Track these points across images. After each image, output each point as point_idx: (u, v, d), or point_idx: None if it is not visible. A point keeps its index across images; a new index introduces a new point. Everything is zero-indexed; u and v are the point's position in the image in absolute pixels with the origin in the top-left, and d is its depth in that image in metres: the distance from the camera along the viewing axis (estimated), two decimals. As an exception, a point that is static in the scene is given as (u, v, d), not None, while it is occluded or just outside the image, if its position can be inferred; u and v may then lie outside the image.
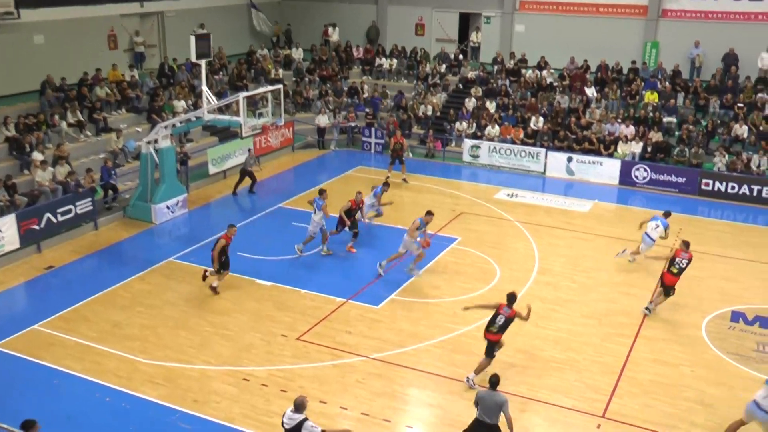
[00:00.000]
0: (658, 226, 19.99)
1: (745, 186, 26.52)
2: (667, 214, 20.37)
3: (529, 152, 29.17)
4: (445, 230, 22.21)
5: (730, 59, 31.34)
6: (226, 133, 28.77)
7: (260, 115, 22.66)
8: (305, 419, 10.53)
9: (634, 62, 32.60)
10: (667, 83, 31.38)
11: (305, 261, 19.81)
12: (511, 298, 14.46)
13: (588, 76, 32.71)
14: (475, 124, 31.11)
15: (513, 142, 29.78)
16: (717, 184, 26.84)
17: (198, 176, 26.03)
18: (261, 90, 23.46)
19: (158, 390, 13.91)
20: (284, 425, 10.64)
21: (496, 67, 34.41)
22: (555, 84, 32.57)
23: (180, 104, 28.26)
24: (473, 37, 36.26)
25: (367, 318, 16.82)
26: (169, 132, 22.99)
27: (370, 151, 31.30)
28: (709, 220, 24.59)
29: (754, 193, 26.40)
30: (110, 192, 22.91)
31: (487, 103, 32.10)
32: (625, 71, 32.72)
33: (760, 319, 17.35)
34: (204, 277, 18.00)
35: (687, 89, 31.18)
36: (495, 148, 29.72)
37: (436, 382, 14.41)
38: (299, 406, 10.62)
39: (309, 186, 26.04)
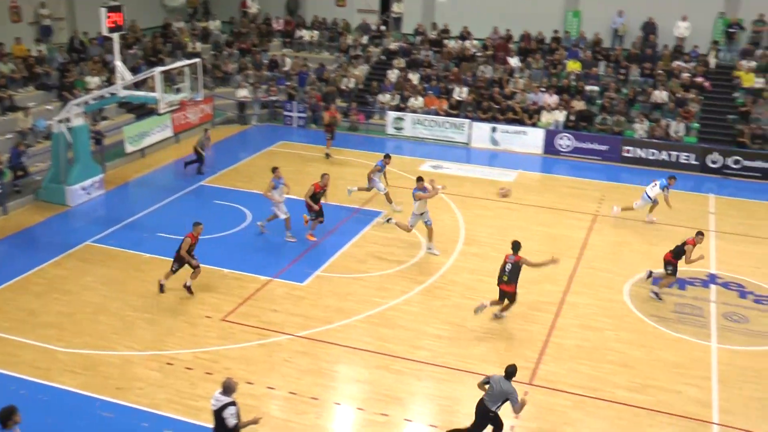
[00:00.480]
0: (656, 185, 20.84)
1: (664, 152, 27.15)
2: (671, 178, 21.14)
3: (453, 123, 29.17)
4: (369, 204, 22.05)
5: (650, 28, 31.89)
6: (143, 110, 27.83)
7: (178, 90, 21.98)
8: (229, 404, 10.25)
9: (556, 31, 32.85)
10: (588, 52, 31.75)
11: (228, 240, 19.34)
12: (516, 245, 15.19)
13: (511, 45, 32.84)
14: (398, 96, 30.92)
15: (437, 114, 29.73)
16: (638, 150, 27.41)
17: (114, 155, 25.10)
18: (178, 64, 22.68)
19: (78, 379, 13.37)
20: (212, 406, 10.40)
21: (418, 38, 34.22)
22: (478, 54, 32.59)
23: (93, 80, 27.20)
24: (395, 7, 35.86)
25: (293, 295, 16.54)
26: (82, 109, 22.07)
27: (292, 126, 30.78)
28: (631, 186, 25.00)
29: (673, 159, 27.07)
30: (20, 173, 21.88)
31: (410, 75, 31.93)
32: (547, 41, 32.97)
33: (678, 281, 17.78)
34: (165, 277, 16.55)
35: (608, 58, 31.62)
36: (419, 119, 29.63)
37: (363, 358, 14.28)
38: (227, 389, 10.36)
39: (231, 163, 25.50)
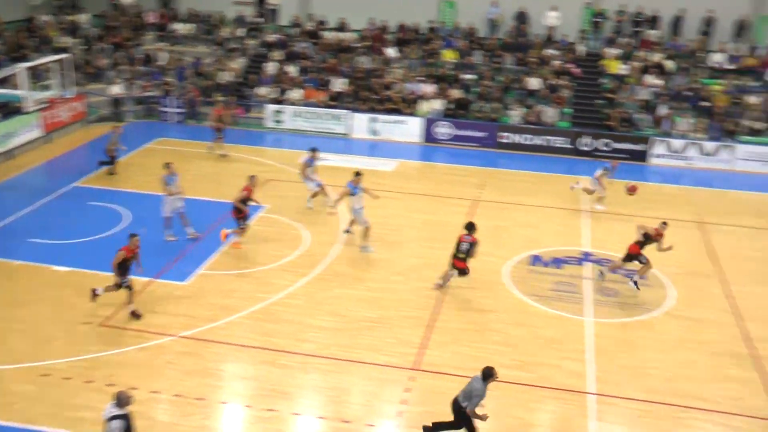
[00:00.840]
0: (598, 168, 22.33)
1: (539, 137, 28.10)
2: (614, 160, 23.01)
3: (333, 114, 29.22)
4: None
5: (522, 18, 32.88)
6: (7, 109, 26.36)
7: (46, 87, 21.04)
8: (117, 416, 9.93)
9: (431, 21, 33.36)
10: (463, 42, 32.41)
11: (106, 242, 18.62)
12: (470, 226, 16.21)
13: (387, 36, 33.13)
14: (277, 89, 30.68)
15: (316, 106, 29.68)
16: (514, 136, 28.24)
17: (-23, 158, 23.81)
18: (45, 60, 21.74)
19: (-57, 400, 12.59)
20: (103, 417, 10.11)
21: (295, 30, 34.02)
22: (355, 45, 32.70)
23: (-51, 79, 25.66)
24: (271, -1, 35.59)
25: (175, 296, 16.14)
26: (-63, 111, 20.83)
27: (170, 122, 30.02)
28: (508, 171, 25.85)
29: (548, 143, 28.07)
30: None
31: (289, 67, 31.72)
32: (423, 31, 33.43)
33: (556, 260, 18.49)
34: (94, 295, 15.31)
35: (483, 47, 32.37)
36: (298, 112, 29.52)
37: (249, 354, 14.13)
38: (119, 401, 10.03)
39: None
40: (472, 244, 16.15)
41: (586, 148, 27.95)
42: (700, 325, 15.87)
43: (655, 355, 14.65)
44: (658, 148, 27.66)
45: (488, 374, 11.16)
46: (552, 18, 32.58)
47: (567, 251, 19.10)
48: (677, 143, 27.69)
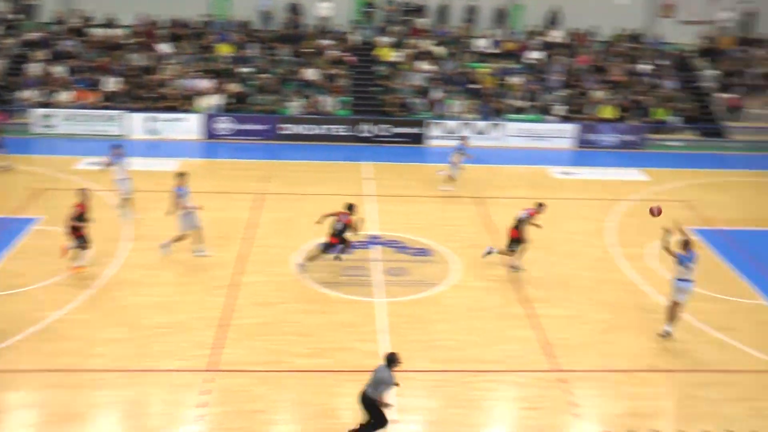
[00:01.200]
0: (452, 152, 23.32)
1: (319, 126, 28.55)
2: (462, 138, 23.56)
3: (107, 116, 27.95)
4: (23, 211, 20.33)
5: (295, 9, 33.12)
6: None
7: None
8: None
9: (204, 15, 32.72)
10: (238, 35, 32.11)
11: None
12: (350, 207, 17.21)
13: (160, 31, 32.09)
14: (44, 92, 28.80)
15: (88, 107, 28.20)
16: (294, 127, 28.50)
17: None
18: None
19: None
20: None
21: (59, 27, 32.05)
22: (126, 42, 31.39)
23: None
24: (27, -6, 33.23)
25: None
26: None
27: None
28: (292, 162, 26.02)
29: (329, 132, 28.60)
30: None
31: (55, 67, 29.87)
32: (196, 25, 32.71)
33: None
34: None
35: (260, 40, 32.25)
36: (69, 115, 27.92)
37: (31, 379, 13.15)
38: None
39: None
40: (346, 225, 16.97)
41: (366, 135, 28.77)
42: (482, 294, 16.92)
43: (444, 326, 15.42)
44: (435, 130, 29.05)
45: (392, 360, 11.17)
46: (324, 9, 33.15)
47: (355, 236, 19.54)
48: (452, 124, 29.24)
